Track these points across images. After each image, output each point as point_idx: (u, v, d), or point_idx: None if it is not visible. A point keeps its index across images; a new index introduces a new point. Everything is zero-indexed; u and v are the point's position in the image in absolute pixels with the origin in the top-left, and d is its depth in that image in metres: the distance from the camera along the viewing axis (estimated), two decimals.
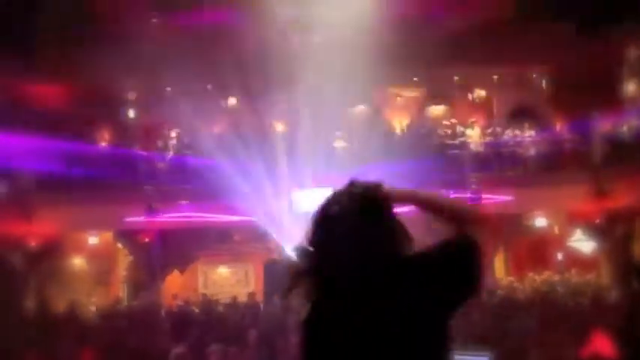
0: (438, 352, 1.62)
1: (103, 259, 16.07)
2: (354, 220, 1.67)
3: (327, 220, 1.70)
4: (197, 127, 13.50)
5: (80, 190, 12.81)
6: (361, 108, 15.39)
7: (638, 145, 13.45)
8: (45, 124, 13.26)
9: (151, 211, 12.68)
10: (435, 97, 16.32)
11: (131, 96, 15.24)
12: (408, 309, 1.59)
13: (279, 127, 14.65)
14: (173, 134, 14.57)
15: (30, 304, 12.15)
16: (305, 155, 12.67)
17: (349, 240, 1.65)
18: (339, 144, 14.20)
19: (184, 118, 13.32)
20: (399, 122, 16.00)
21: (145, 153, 14.11)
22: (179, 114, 13.07)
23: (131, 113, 15.29)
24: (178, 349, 6.98)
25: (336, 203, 1.72)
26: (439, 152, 14.15)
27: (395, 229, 1.71)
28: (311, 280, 1.69)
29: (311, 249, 1.70)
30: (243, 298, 12.90)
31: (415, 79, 15.36)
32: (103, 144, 14.92)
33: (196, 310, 11.76)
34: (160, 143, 14.35)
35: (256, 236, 15.47)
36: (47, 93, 14.03)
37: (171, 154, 14.10)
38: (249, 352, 6.57)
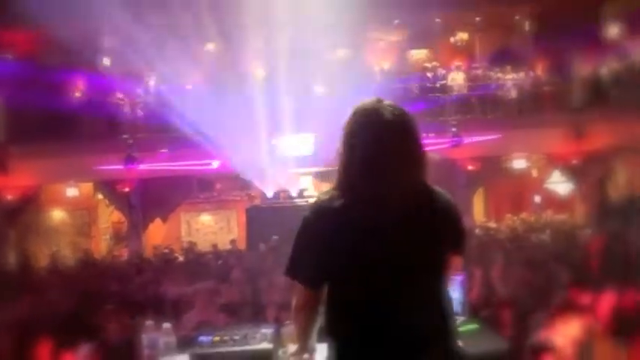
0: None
1: (83, 211, 15.99)
2: (401, 134, 1.83)
3: (377, 127, 1.82)
4: (175, 75, 13.20)
5: (56, 140, 12.57)
6: (341, 52, 15.12)
7: (616, 87, 13.47)
8: (16, 73, 12.87)
9: (130, 160, 12.54)
10: (416, 41, 16.08)
11: (107, 43, 14.75)
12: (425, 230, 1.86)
13: (259, 72, 14.38)
14: (151, 82, 14.23)
15: (10, 258, 12.08)
16: (284, 101, 12.51)
17: (399, 155, 1.82)
18: (319, 89, 14.01)
19: (161, 66, 13.00)
20: (380, 66, 15.80)
21: (122, 102, 13.81)
22: (156, 61, 12.74)
23: (107, 61, 14.85)
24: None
25: (382, 113, 1.84)
26: (420, 96, 14.06)
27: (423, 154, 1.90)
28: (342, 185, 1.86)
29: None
30: (226, 245, 12.98)
31: (396, 21, 15.06)
32: (78, 94, 14.53)
33: (180, 258, 11.81)
34: (137, 91, 14.03)
35: (238, 183, 15.46)
36: (18, 40, 13.55)
37: (149, 102, 13.81)
38: (233, 289, 6.64)
